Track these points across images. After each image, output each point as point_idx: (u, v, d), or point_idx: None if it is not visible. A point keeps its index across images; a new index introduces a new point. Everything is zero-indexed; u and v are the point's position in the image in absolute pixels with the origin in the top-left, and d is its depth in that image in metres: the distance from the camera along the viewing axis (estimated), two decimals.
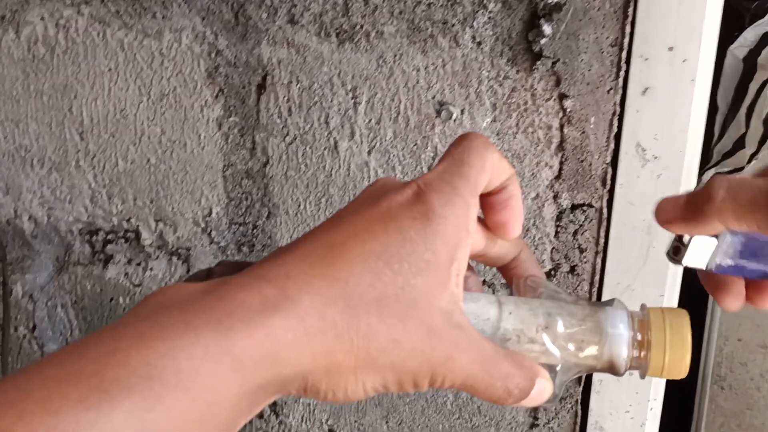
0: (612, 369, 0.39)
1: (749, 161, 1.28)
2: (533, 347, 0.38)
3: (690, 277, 0.85)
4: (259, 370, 0.30)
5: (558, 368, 0.38)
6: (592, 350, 0.38)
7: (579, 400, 0.86)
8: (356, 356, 0.32)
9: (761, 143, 1.24)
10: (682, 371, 0.38)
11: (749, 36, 1.25)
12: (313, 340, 0.31)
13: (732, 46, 1.25)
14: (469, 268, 0.42)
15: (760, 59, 1.23)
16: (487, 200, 0.38)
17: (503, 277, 0.43)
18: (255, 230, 0.89)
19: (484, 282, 0.84)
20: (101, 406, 0.27)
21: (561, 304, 0.39)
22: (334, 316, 0.32)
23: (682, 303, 0.81)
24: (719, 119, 1.29)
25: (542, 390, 0.36)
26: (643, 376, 0.39)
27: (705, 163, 1.30)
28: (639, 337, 0.38)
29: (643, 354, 0.38)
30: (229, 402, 0.30)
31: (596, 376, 0.84)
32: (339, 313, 0.32)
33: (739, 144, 1.28)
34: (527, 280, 0.41)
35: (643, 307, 0.40)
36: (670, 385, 0.84)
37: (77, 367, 0.28)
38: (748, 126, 1.26)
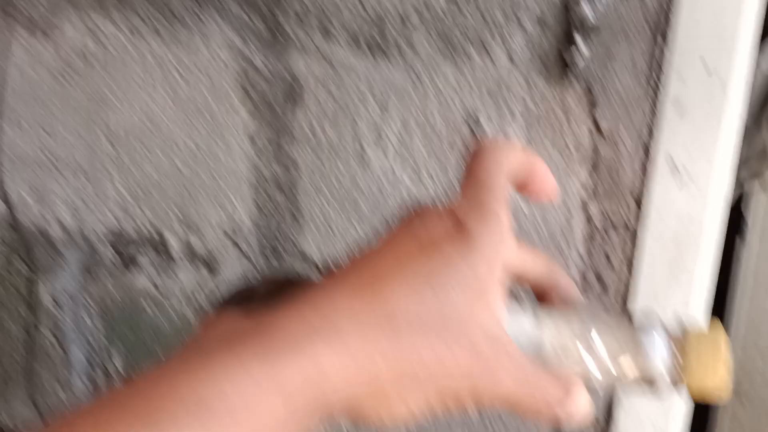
0: (650, 386, 0.39)
1: None
2: (569, 360, 0.38)
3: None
4: (306, 400, 0.31)
5: (595, 383, 0.38)
6: (629, 366, 0.38)
7: (604, 414, 0.86)
8: (403, 381, 0.33)
9: None
10: (720, 389, 0.38)
11: None
12: (359, 364, 0.32)
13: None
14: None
15: None
16: (523, 189, 0.39)
17: (538, 299, 0.43)
18: (283, 241, 0.90)
19: None
20: None
21: (598, 317, 0.39)
22: (378, 338, 0.32)
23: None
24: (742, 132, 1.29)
25: (582, 404, 0.36)
26: (679, 394, 0.39)
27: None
28: (678, 355, 0.38)
29: (680, 372, 0.38)
30: (276, 429, 0.30)
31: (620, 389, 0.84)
32: (386, 339, 0.32)
33: (762, 156, 1.27)
34: (563, 296, 0.41)
35: (680, 322, 0.39)
36: None
37: (129, 405, 0.28)
38: None
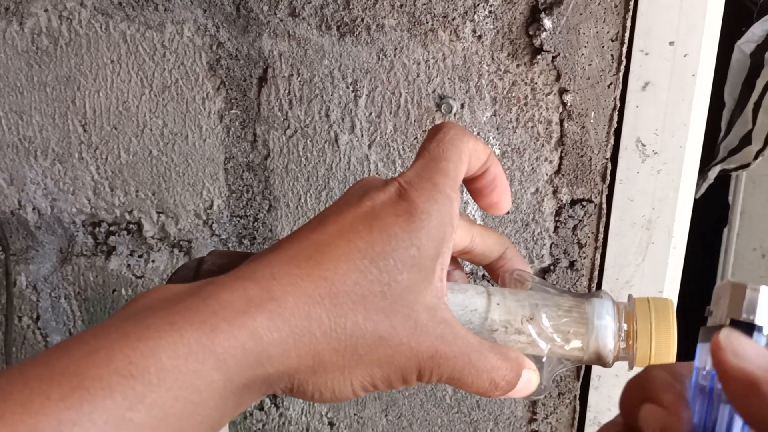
0: (599, 360, 0.39)
1: (756, 158, 1.27)
2: (520, 338, 0.38)
3: (690, 274, 0.85)
4: (243, 370, 0.31)
5: (544, 359, 0.38)
6: (577, 342, 0.38)
7: (578, 396, 0.86)
8: (343, 355, 0.32)
9: None
10: (669, 359, 0.38)
11: (757, 31, 1.24)
12: (299, 340, 0.31)
13: (739, 42, 1.24)
14: (455, 263, 0.42)
15: (767, 55, 1.22)
16: (474, 186, 0.38)
17: (490, 276, 0.43)
18: (256, 223, 0.90)
19: (483, 277, 0.83)
20: (82, 405, 0.27)
21: (547, 296, 0.39)
22: (320, 315, 0.32)
23: (683, 299, 0.81)
24: (726, 115, 1.28)
25: (528, 381, 0.36)
26: (631, 367, 0.39)
27: (711, 159, 1.30)
28: (625, 327, 0.38)
29: (629, 344, 0.38)
30: (213, 401, 0.30)
31: (594, 372, 0.84)
32: (325, 312, 0.32)
33: (746, 140, 1.27)
34: (513, 274, 0.41)
35: (629, 298, 0.40)
36: None
37: (59, 366, 0.28)
38: (755, 122, 1.25)
